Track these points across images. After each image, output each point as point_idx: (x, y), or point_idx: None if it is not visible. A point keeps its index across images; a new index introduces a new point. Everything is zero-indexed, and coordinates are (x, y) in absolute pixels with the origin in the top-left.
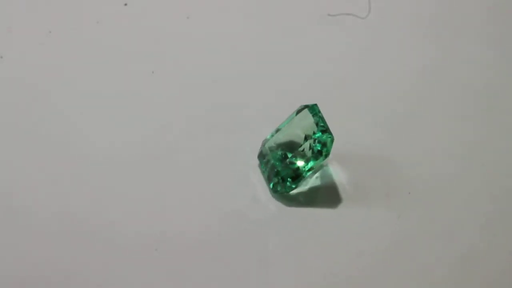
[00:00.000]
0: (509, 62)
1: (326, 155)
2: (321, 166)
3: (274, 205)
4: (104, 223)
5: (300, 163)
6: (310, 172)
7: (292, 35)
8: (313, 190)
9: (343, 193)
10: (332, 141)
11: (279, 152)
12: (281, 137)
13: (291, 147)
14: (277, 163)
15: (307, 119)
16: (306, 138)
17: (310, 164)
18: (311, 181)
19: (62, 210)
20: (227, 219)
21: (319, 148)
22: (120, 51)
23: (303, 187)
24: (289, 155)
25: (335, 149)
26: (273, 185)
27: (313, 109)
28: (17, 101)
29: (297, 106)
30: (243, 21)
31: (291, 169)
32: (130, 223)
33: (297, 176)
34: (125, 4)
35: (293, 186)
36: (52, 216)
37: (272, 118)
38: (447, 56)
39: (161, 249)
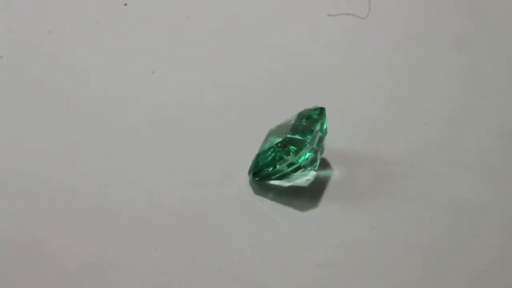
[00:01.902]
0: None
1: (295, 158)
2: (315, 168)
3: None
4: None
5: (276, 153)
6: (281, 165)
7: (292, 35)
8: (292, 189)
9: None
10: (304, 149)
11: (271, 138)
12: (282, 125)
13: (282, 134)
14: (261, 150)
15: (311, 118)
16: (293, 133)
17: (284, 156)
18: (300, 181)
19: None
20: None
21: (294, 148)
22: (120, 51)
23: (284, 182)
24: (276, 140)
25: (338, 153)
26: (249, 169)
27: (322, 112)
28: (17, 101)
29: (295, 105)
30: (243, 21)
31: (267, 157)
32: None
33: (268, 165)
34: (125, 4)
35: (258, 174)
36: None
37: (268, 116)
38: (446, 56)
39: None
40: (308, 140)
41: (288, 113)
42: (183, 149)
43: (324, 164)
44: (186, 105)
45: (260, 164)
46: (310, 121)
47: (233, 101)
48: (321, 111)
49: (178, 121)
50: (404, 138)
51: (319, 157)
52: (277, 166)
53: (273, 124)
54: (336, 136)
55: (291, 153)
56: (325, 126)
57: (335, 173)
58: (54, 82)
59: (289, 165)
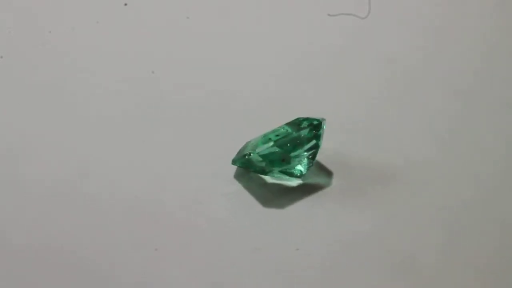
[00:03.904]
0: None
1: (259, 146)
2: (299, 175)
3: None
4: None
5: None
6: (254, 153)
7: (292, 35)
8: (271, 186)
9: (285, 206)
10: (266, 144)
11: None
12: (284, 125)
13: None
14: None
15: (309, 124)
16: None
17: (257, 144)
18: (286, 183)
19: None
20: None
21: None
22: (120, 51)
23: (268, 178)
24: (269, 133)
25: (333, 163)
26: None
27: (319, 122)
28: (16, 102)
29: (295, 108)
30: (242, 21)
31: (251, 144)
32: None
33: (247, 153)
34: (125, 4)
35: (237, 159)
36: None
37: (265, 117)
38: (446, 56)
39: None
40: (274, 137)
41: (287, 112)
42: (183, 146)
43: (318, 173)
44: (186, 104)
45: (244, 149)
46: (304, 125)
47: (233, 101)
48: (319, 122)
49: (179, 120)
50: (405, 146)
51: (306, 163)
52: (252, 154)
53: (271, 122)
54: (333, 141)
55: (260, 143)
56: (320, 139)
57: (324, 184)
58: (54, 82)
59: (260, 157)
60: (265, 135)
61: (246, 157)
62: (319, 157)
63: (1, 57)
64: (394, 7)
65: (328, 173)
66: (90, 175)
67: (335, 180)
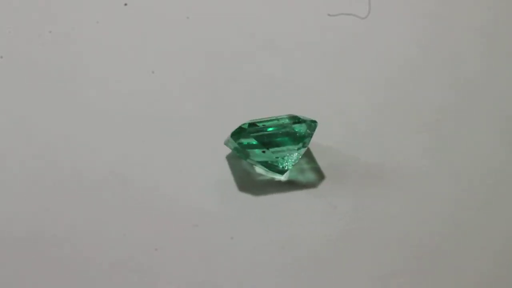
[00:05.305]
0: (501, 69)
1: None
2: (281, 170)
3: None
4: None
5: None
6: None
7: (292, 36)
8: (255, 177)
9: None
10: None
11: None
12: (280, 117)
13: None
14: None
15: (303, 127)
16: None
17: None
18: (274, 176)
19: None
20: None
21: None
22: (120, 51)
23: (259, 168)
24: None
25: (322, 162)
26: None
27: (312, 124)
28: (16, 102)
29: (294, 107)
30: (242, 21)
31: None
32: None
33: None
34: (125, 4)
35: (236, 135)
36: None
37: (266, 114)
38: (446, 56)
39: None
40: (261, 125)
41: (285, 111)
42: (186, 147)
43: (309, 172)
44: (187, 104)
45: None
46: (296, 122)
47: (233, 100)
48: (311, 122)
49: (179, 120)
50: (403, 148)
51: (291, 160)
52: (232, 138)
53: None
54: (330, 141)
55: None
56: (308, 139)
57: (309, 184)
58: (54, 83)
59: (238, 145)
60: (254, 122)
61: (230, 140)
62: (315, 156)
63: (1, 57)
64: (394, 7)
65: (318, 174)
66: (89, 173)
67: (322, 181)
